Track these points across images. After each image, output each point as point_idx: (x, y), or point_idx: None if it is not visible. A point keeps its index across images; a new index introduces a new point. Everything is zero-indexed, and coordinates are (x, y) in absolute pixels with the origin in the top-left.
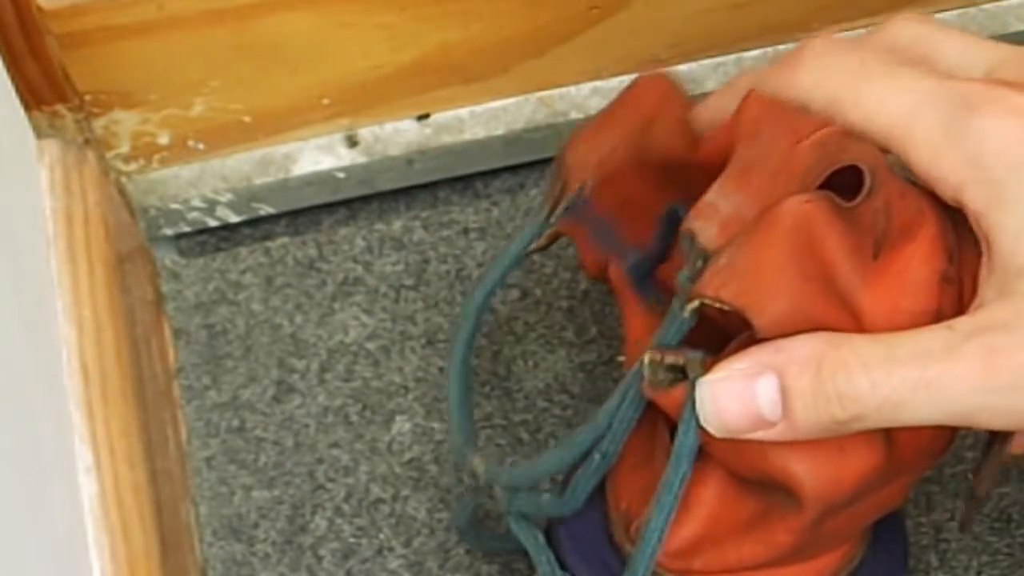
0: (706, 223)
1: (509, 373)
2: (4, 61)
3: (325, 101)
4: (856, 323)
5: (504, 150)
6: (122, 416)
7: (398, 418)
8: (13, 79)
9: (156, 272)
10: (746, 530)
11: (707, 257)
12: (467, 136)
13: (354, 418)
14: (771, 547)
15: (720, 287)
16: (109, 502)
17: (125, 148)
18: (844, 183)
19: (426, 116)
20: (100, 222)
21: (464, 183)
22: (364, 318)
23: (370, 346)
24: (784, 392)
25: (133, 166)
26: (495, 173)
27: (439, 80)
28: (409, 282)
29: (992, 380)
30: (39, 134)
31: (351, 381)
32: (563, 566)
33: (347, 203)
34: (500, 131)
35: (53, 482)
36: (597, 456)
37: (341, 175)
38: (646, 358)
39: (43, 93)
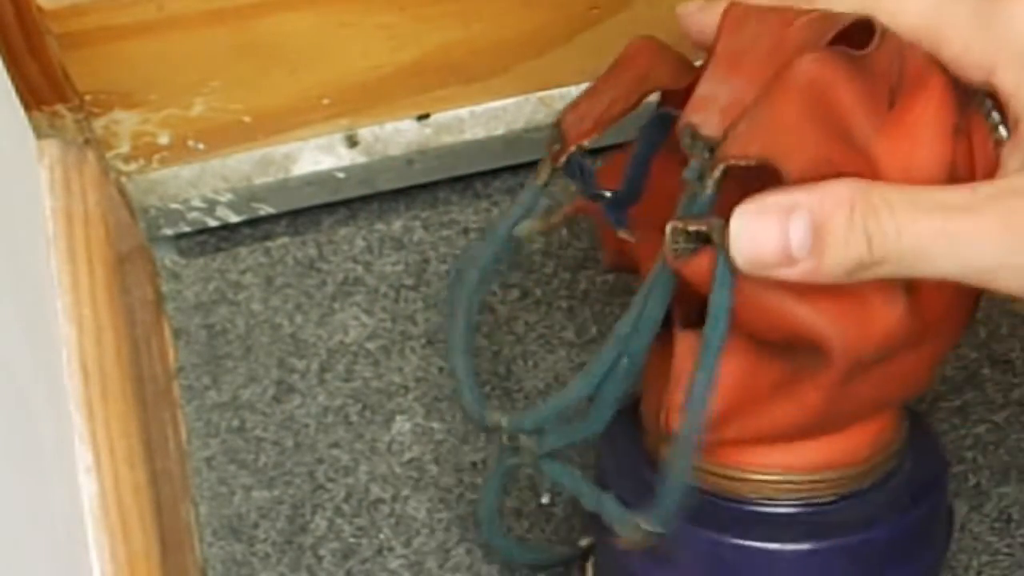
0: (706, 114)
1: (509, 373)
2: (4, 61)
3: (325, 101)
4: (873, 172)
5: (504, 150)
6: (122, 416)
7: (398, 418)
8: (13, 79)
9: (156, 272)
10: (775, 393)
11: (713, 147)
12: (467, 136)
13: (354, 418)
14: (802, 407)
15: (746, 145)
16: (109, 502)
17: (125, 148)
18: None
19: (426, 116)
20: (100, 222)
21: (464, 183)
22: (364, 318)
23: (370, 346)
24: (816, 229)
25: (133, 166)
26: (495, 173)
27: (439, 80)
28: (409, 282)
29: (1011, 239)
30: (39, 134)
31: (351, 381)
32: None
33: (347, 203)
34: (500, 131)
35: (53, 482)
36: (625, 361)
37: (341, 175)
38: (668, 228)
39: (43, 93)
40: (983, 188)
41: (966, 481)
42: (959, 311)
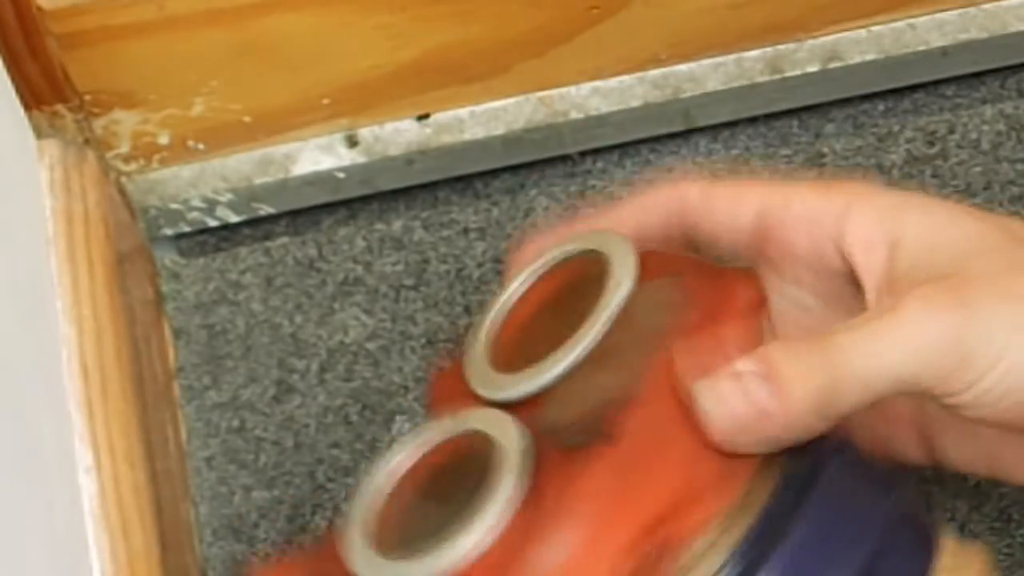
0: None
1: None
2: (4, 61)
3: (325, 101)
4: None
5: (504, 150)
6: (122, 416)
7: (398, 418)
8: (13, 79)
9: (156, 272)
10: None
11: None
12: (467, 136)
13: (354, 418)
14: None
15: None
16: (109, 502)
17: (125, 148)
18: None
19: (426, 116)
20: (100, 222)
21: (464, 183)
22: (364, 318)
23: (370, 346)
24: (771, 375)
25: (133, 166)
26: (495, 173)
27: (439, 80)
28: (409, 282)
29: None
30: (39, 134)
31: (351, 381)
32: None
33: (347, 203)
34: (500, 131)
35: (53, 482)
36: None
37: (341, 175)
38: None
39: (43, 93)
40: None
41: (966, 481)
42: None
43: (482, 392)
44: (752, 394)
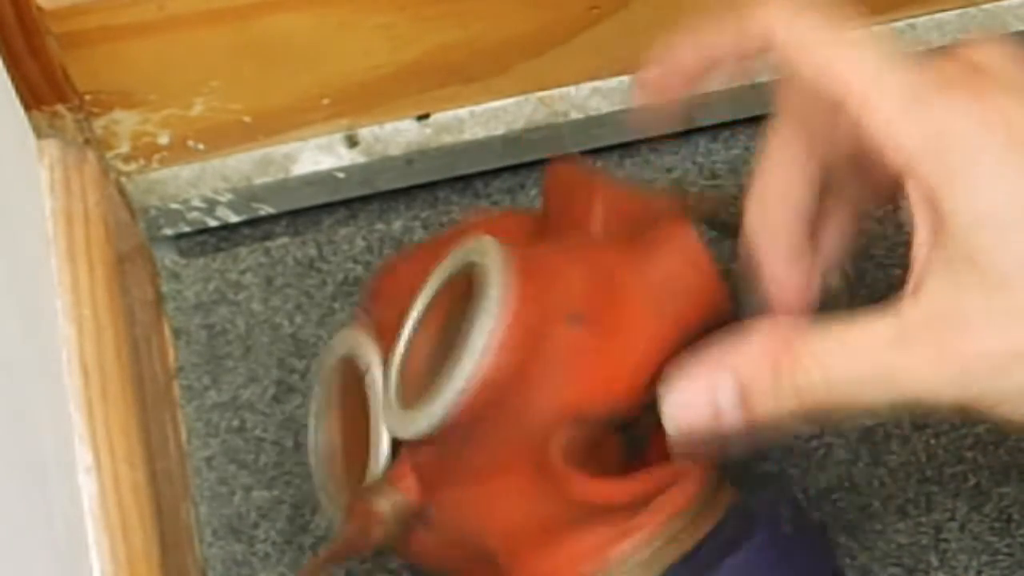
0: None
1: None
2: (4, 61)
3: (325, 101)
4: None
5: (504, 150)
6: (122, 416)
7: None
8: (13, 79)
9: (156, 272)
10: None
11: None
12: (467, 136)
13: None
14: None
15: None
16: (109, 502)
17: (125, 148)
18: None
19: (426, 116)
20: (100, 222)
21: (464, 183)
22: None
23: None
24: (743, 391)
25: (133, 166)
26: (495, 173)
27: (439, 80)
28: None
29: (942, 369)
30: (39, 134)
31: None
32: None
33: (347, 203)
34: (500, 131)
35: (53, 482)
36: None
37: (341, 175)
38: None
39: (43, 93)
40: (908, 312)
41: (966, 481)
42: None
43: (396, 433)
44: (717, 402)
